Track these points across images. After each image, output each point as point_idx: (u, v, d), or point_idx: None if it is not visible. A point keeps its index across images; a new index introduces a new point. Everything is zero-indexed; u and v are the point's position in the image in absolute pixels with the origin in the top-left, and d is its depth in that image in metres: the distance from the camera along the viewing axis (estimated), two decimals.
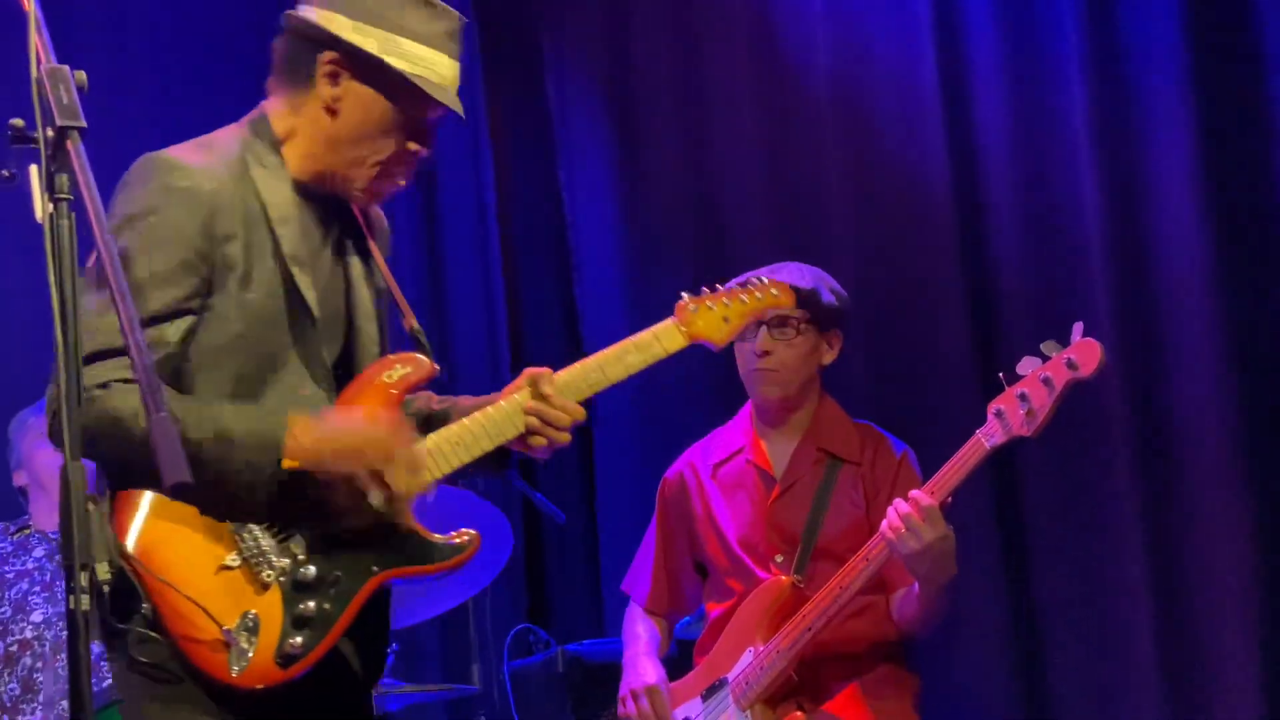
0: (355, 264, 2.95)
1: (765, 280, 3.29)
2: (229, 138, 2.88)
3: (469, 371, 5.83)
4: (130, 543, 2.65)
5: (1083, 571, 4.97)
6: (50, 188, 2.26)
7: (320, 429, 2.70)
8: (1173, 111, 4.90)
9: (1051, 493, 5.02)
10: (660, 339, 3.08)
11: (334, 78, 2.85)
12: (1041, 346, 3.59)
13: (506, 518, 4.35)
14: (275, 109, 2.91)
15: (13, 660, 4.44)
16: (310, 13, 2.88)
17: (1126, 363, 4.88)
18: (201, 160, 2.79)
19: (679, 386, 5.56)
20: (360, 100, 2.85)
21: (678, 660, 4.17)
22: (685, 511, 4.13)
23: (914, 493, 3.64)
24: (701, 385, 5.49)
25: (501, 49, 6.12)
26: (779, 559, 3.95)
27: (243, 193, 2.80)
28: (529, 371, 2.95)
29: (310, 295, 2.82)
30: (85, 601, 2.18)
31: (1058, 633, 5.00)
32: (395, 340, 3.02)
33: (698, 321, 3.14)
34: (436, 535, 2.82)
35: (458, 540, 2.84)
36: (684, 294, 3.16)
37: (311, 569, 2.73)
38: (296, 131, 2.88)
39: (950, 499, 3.68)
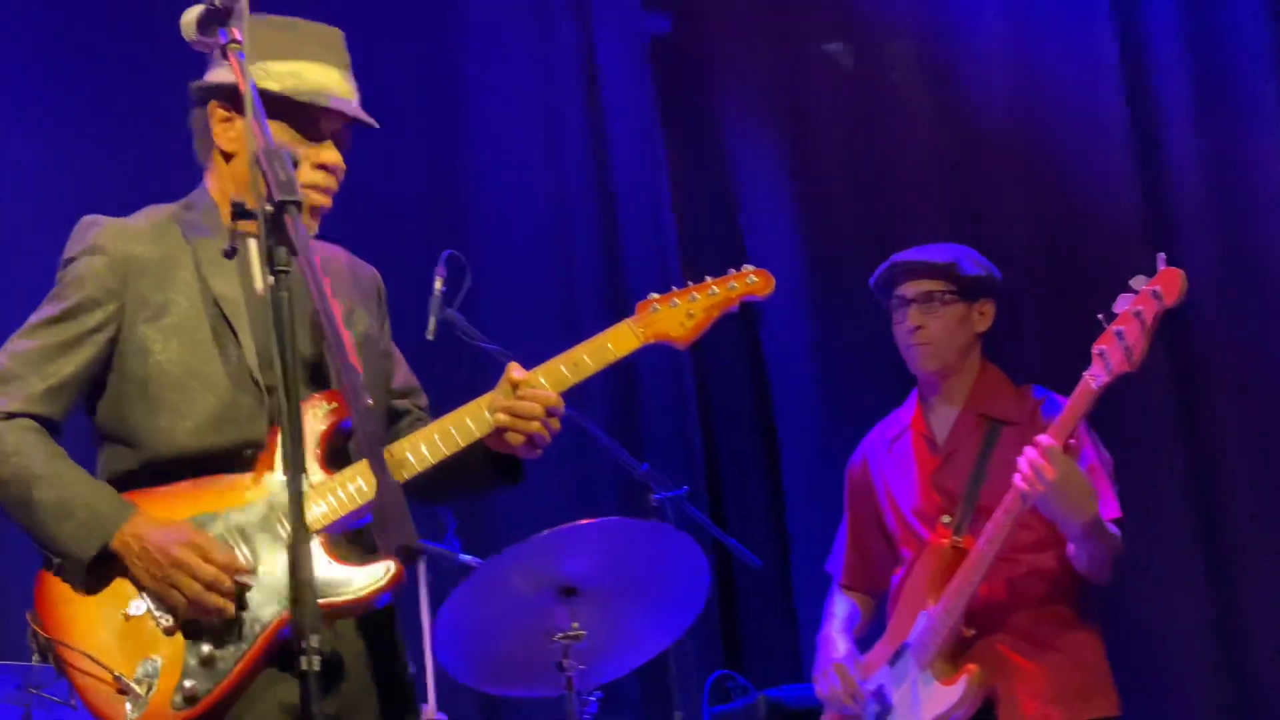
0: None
1: (746, 268, 3.19)
2: (160, 208, 2.99)
3: (655, 388, 5.86)
4: (35, 601, 2.74)
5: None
6: (270, 261, 2.36)
7: (154, 537, 2.71)
8: None
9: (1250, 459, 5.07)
10: (611, 343, 3.03)
11: (225, 123, 2.94)
12: (1131, 281, 3.70)
13: (708, 560, 4.32)
14: (207, 176, 3.01)
15: None
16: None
17: None
18: (120, 220, 2.93)
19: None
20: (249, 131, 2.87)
21: None
22: (868, 490, 4.36)
23: (1037, 437, 3.79)
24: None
25: (677, 96, 6.17)
26: (945, 519, 4.12)
27: (166, 248, 2.89)
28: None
29: (240, 326, 2.84)
30: (316, 663, 2.26)
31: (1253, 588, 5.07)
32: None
33: (658, 321, 3.07)
34: (356, 568, 2.76)
35: (376, 572, 2.76)
36: (653, 293, 3.10)
37: None
38: (224, 188, 2.96)
39: (1074, 441, 3.83)
